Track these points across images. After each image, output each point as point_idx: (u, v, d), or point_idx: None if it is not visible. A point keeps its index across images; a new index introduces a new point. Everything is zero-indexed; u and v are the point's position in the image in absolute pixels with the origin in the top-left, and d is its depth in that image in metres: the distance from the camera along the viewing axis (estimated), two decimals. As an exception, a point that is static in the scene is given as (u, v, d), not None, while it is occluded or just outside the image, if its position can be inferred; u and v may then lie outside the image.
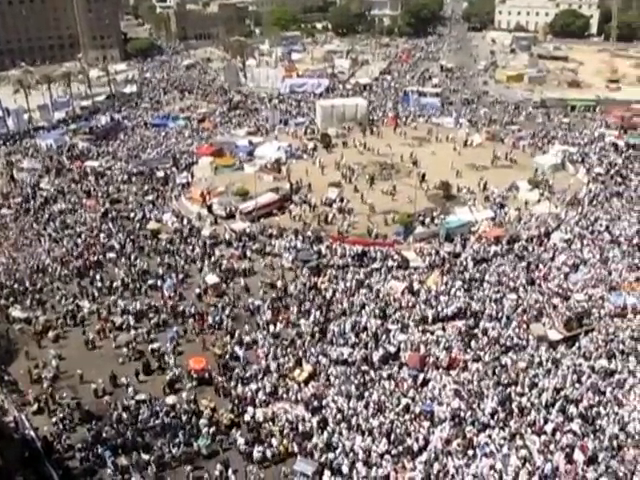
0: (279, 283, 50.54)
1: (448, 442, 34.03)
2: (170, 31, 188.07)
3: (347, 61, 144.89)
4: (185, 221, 62.20)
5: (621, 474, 32.04)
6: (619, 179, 74.35)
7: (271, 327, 45.05)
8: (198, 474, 32.84)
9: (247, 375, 39.83)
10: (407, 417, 36.02)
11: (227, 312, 46.57)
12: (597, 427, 35.50)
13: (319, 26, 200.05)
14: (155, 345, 43.07)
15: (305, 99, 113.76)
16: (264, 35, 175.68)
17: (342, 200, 64.35)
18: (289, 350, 42.29)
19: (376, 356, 41.20)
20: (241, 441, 34.49)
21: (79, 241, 58.02)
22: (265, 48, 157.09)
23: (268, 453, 33.75)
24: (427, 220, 60.74)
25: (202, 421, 35.85)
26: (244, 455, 33.99)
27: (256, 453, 33.70)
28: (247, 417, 36.41)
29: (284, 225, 60.06)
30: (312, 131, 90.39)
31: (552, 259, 54.55)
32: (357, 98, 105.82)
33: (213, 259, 54.66)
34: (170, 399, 37.43)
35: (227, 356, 42.02)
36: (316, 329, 44.32)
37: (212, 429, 35.26)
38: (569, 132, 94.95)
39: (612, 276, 51.95)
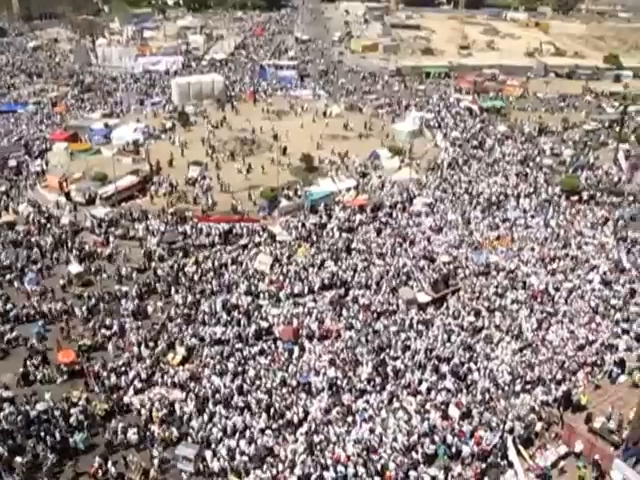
0: (151, 266, 49.06)
1: (327, 411, 34.17)
2: (12, 11, 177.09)
3: (201, 37, 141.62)
4: (43, 210, 58.86)
5: (494, 424, 33.36)
6: (475, 142, 77.14)
7: (140, 312, 43.48)
8: (77, 469, 31.27)
9: (119, 363, 38.10)
10: (285, 390, 35.78)
11: (94, 301, 44.46)
12: (469, 382, 36.83)
13: (170, 2, 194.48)
14: (12, 335, 40.61)
15: (160, 77, 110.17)
16: (113, 13, 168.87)
17: (204, 178, 62.98)
18: (161, 334, 40.92)
19: (250, 332, 40.58)
20: (119, 431, 33.03)
21: None
22: (115, 26, 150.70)
23: (149, 441, 32.71)
24: (291, 193, 60.57)
25: (75, 411, 33.92)
26: (123, 445, 32.63)
27: (132, 435, 32.58)
28: (123, 406, 35.03)
29: (146, 208, 58.06)
30: (172, 110, 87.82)
31: (417, 223, 55.85)
32: (214, 74, 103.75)
33: (75, 247, 52.03)
34: (40, 405, 35.07)
35: (97, 346, 40.10)
36: (187, 311, 43.18)
37: (87, 422, 33.61)
38: (425, 99, 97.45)
39: (474, 236, 53.94)
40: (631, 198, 63.35)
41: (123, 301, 44.54)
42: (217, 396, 35.15)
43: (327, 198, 59.04)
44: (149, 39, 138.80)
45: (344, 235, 53.40)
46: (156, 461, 31.36)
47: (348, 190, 61.18)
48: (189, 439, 32.72)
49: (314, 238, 52.92)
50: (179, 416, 34.14)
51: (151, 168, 65.22)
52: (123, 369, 37.52)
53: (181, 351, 39.13)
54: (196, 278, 47.17)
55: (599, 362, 39.08)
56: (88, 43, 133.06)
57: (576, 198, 62.73)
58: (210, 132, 76.73)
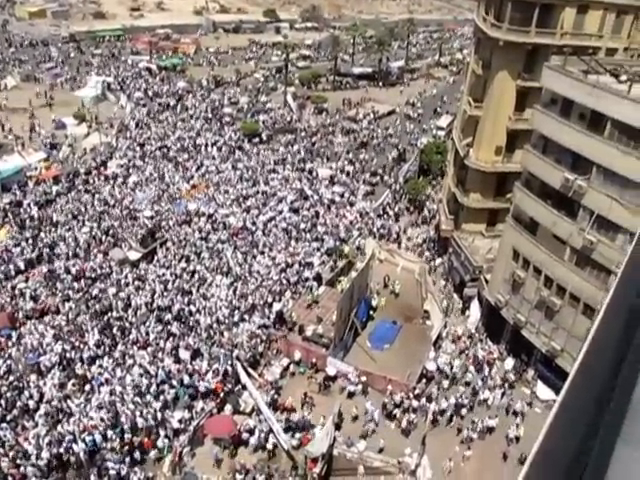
0: None
1: (63, 386, 32.05)
2: None
3: None
4: None
5: (222, 356, 34.07)
6: (159, 100, 75.93)
7: None
8: None
9: None
10: (12, 377, 32.52)
11: None
12: (193, 324, 37.06)
13: None
14: None
15: None
16: None
17: None
18: None
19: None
20: None
21: None
22: None
23: None
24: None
25: None
26: None
27: None
28: None
29: None
30: None
31: (115, 185, 53.85)
32: None
33: None
34: None
35: None
36: None
37: None
38: (103, 62, 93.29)
39: (171, 189, 53.56)
40: (303, 134, 67.51)
41: None
42: None
43: (18, 174, 53.89)
44: None
45: (44, 208, 49.61)
46: None
47: (39, 163, 56.61)
48: None
49: (11, 217, 48.25)
50: None
51: None
52: None
53: None
54: None
55: (300, 280, 41.93)
56: None
57: (257, 140, 65.21)
58: None
